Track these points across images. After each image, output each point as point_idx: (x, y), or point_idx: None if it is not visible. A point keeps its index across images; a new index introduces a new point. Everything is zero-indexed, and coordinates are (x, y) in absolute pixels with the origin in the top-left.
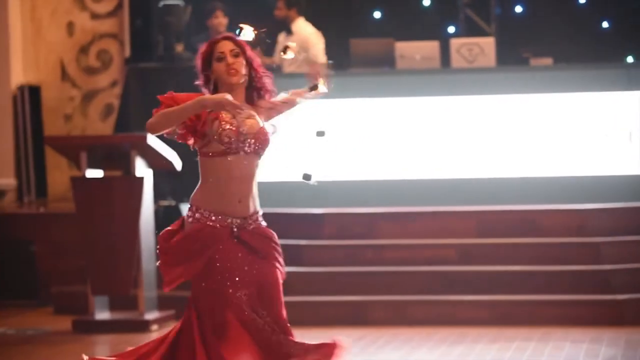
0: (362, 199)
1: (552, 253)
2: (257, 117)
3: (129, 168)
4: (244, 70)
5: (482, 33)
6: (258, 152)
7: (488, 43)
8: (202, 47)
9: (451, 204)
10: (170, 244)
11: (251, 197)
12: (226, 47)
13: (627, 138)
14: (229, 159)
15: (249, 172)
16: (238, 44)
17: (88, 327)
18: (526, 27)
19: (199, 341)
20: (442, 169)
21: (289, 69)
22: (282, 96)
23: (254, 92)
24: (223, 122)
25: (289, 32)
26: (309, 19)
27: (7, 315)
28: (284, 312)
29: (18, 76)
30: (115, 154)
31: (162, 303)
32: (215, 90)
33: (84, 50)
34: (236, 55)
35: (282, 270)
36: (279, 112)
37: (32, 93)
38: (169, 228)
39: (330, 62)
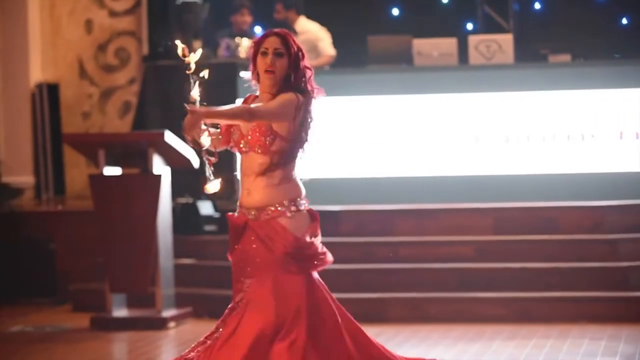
0: (379, 196)
1: (569, 250)
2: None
3: (147, 166)
4: (282, 72)
5: (500, 30)
6: (255, 150)
7: (506, 40)
8: (255, 38)
9: (468, 201)
10: None
11: (264, 189)
12: (272, 44)
13: None
14: (241, 157)
15: (254, 168)
16: (285, 43)
17: (106, 325)
18: (544, 24)
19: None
20: (459, 166)
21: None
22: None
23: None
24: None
25: (294, 33)
26: (329, 16)
27: (25, 312)
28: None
29: (36, 74)
30: (133, 152)
31: (180, 300)
32: (258, 82)
33: (102, 48)
34: (279, 55)
35: (289, 264)
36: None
37: (51, 91)
38: None
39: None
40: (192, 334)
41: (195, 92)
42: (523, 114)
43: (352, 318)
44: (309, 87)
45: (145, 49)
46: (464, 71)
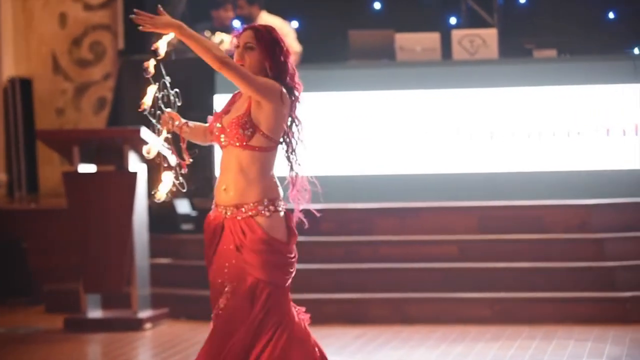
0: (361, 194)
1: (555, 249)
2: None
3: (122, 163)
4: (254, 67)
5: (484, 24)
6: (237, 146)
7: (490, 34)
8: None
9: (452, 200)
10: None
11: (246, 189)
12: (244, 38)
13: (633, 131)
14: (222, 152)
15: (236, 165)
16: (257, 36)
17: (80, 326)
18: (529, 18)
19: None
20: (442, 164)
21: None
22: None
23: None
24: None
25: None
26: (308, 10)
27: None
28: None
29: (9, 68)
30: (108, 149)
31: (156, 301)
32: None
33: (76, 42)
34: (249, 49)
35: (258, 269)
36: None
37: (24, 86)
38: None
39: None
40: (169, 335)
41: (149, 99)
42: (508, 110)
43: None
44: (295, 85)
45: (120, 44)
46: (447, 66)
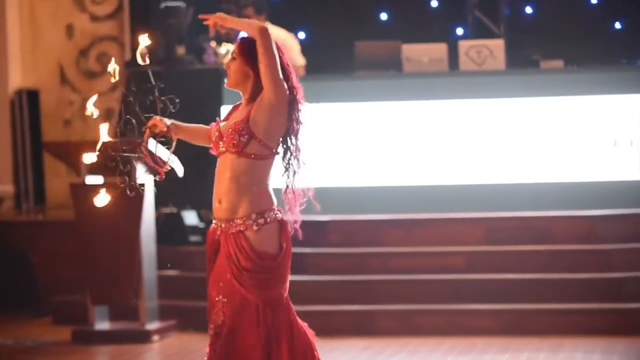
0: (368, 205)
1: (562, 261)
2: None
3: (130, 174)
4: (236, 76)
5: (491, 35)
6: (233, 152)
7: (497, 45)
8: None
9: (459, 211)
10: None
11: (237, 201)
12: (234, 49)
13: None
14: (220, 158)
15: (230, 174)
16: (240, 48)
17: (88, 338)
18: (536, 29)
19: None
20: (449, 175)
21: None
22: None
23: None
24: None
25: None
26: (314, 21)
27: (5, 325)
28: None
29: (16, 80)
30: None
31: (164, 313)
32: None
33: (83, 53)
34: (233, 59)
35: (250, 290)
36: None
37: (31, 97)
38: None
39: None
40: (177, 347)
41: (104, 136)
42: (515, 121)
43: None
44: (293, 85)
45: (127, 55)
46: (454, 77)
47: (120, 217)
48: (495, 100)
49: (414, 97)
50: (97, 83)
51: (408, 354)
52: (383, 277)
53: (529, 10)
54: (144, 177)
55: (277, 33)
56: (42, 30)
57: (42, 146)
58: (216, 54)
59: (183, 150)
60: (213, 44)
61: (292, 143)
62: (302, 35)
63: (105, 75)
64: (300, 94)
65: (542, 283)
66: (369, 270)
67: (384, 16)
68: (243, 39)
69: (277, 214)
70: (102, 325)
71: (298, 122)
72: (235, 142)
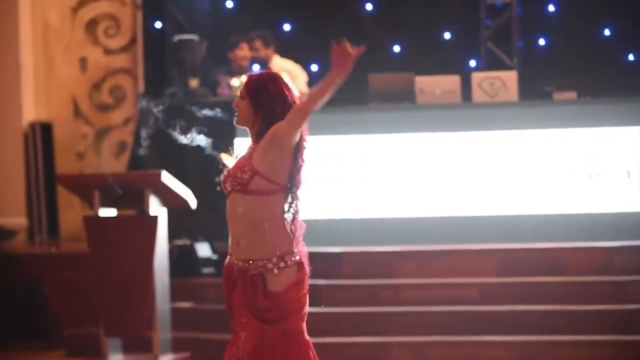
0: (381, 237)
1: (576, 292)
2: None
3: (143, 207)
4: (244, 114)
5: (504, 67)
6: (238, 190)
7: (510, 77)
8: None
9: (472, 242)
10: None
11: (255, 241)
12: (241, 87)
13: None
14: (229, 198)
15: (241, 212)
16: (247, 86)
17: None
18: (549, 60)
19: None
20: (462, 206)
21: None
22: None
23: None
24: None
25: None
26: (327, 53)
27: (18, 358)
28: None
29: (29, 113)
30: (129, 193)
31: (177, 345)
32: None
33: (96, 86)
34: (241, 98)
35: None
36: None
37: (44, 130)
38: None
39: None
40: None
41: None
42: (528, 153)
43: None
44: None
45: (141, 87)
46: (467, 109)
47: (134, 249)
48: (508, 132)
49: (427, 129)
50: (110, 116)
51: None
52: (396, 308)
53: (542, 42)
54: (157, 209)
55: (284, 64)
56: (56, 64)
57: (56, 179)
58: (230, 86)
59: (195, 183)
60: (227, 77)
61: (296, 179)
62: (314, 67)
63: (119, 108)
64: (305, 133)
65: (556, 315)
66: (382, 302)
67: (397, 48)
68: (250, 77)
69: (296, 257)
70: (116, 357)
71: (303, 160)
72: (238, 179)
